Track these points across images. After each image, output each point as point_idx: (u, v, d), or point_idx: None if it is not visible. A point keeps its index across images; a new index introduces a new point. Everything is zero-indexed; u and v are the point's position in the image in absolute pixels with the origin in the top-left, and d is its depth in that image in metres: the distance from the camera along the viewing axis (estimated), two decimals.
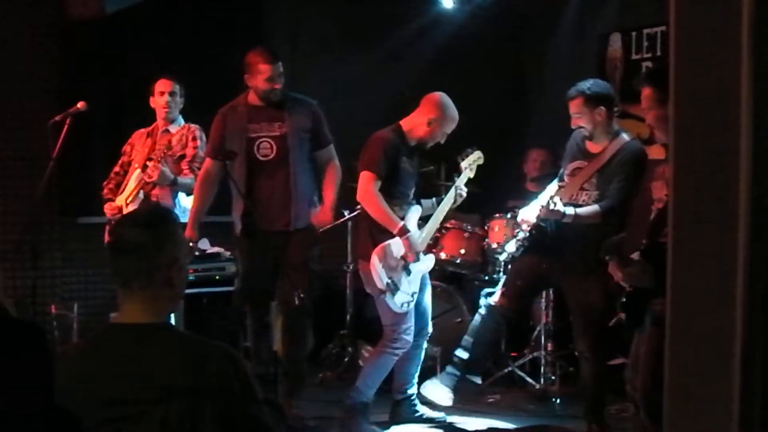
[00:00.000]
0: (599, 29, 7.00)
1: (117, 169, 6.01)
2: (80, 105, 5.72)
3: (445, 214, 5.63)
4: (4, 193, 6.79)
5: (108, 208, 5.87)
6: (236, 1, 7.19)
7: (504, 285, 5.51)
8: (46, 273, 6.77)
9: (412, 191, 5.45)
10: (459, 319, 6.08)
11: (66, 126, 5.63)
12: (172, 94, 5.89)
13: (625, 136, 5.22)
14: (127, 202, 5.78)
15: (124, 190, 5.87)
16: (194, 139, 5.88)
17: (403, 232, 5.23)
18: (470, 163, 5.68)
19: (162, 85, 5.92)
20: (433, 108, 5.38)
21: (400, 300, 5.26)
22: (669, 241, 2.07)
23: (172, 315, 5.61)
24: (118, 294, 2.49)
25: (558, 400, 6.03)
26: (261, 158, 5.37)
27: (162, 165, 5.64)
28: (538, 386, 6.07)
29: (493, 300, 5.45)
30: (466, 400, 5.85)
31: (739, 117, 1.94)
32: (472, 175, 5.67)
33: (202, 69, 6.62)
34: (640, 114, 6.50)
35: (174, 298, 2.54)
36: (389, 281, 5.21)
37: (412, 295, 5.32)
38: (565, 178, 5.31)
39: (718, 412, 1.95)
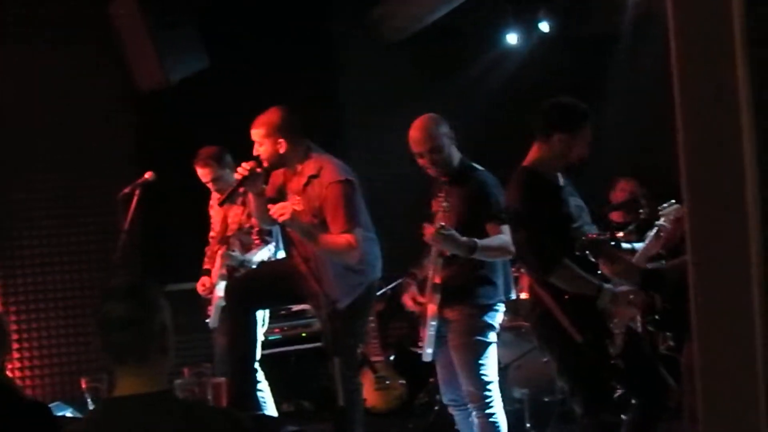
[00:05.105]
0: None
1: (212, 233, 5.92)
2: (148, 175, 5.69)
3: None
4: (89, 267, 6.96)
5: (200, 286, 5.74)
6: (305, 61, 7.21)
7: None
8: None
9: None
10: (546, 359, 5.85)
11: (135, 197, 5.65)
12: (214, 180, 5.70)
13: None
14: (216, 279, 5.61)
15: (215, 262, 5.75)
16: None
17: None
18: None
19: (200, 174, 5.74)
20: None
21: None
22: (688, 249, 2.04)
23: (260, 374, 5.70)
24: (113, 368, 2.42)
25: None
26: None
27: (229, 250, 5.55)
28: None
29: None
30: None
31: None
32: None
33: None
34: None
35: (168, 363, 2.48)
36: None
37: None
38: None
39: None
